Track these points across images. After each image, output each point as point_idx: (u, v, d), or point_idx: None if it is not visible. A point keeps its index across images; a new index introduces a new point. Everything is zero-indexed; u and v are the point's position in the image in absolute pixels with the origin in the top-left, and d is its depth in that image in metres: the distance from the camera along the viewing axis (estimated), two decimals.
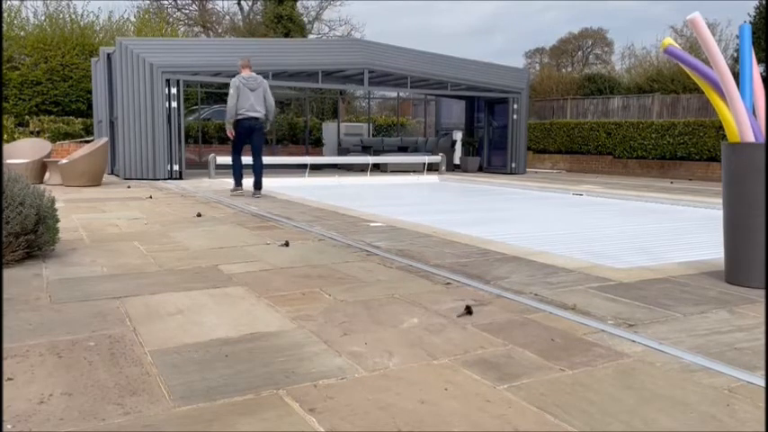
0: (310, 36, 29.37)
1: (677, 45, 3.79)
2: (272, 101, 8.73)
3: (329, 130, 18.69)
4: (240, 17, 32.06)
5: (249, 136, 8.61)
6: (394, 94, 20.91)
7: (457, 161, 16.94)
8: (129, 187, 9.94)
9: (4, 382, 2.01)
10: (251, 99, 8.43)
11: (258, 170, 8.77)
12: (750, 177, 3.38)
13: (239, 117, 8.44)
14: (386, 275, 3.66)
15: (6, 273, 3.58)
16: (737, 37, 3.64)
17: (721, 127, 4.76)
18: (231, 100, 8.43)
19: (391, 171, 15.27)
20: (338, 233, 5.26)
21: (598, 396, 1.97)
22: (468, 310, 2.86)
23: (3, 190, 3.75)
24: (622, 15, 56.56)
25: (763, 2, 16.95)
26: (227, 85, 18.58)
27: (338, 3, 39.07)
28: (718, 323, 2.75)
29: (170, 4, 30.79)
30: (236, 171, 8.93)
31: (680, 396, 1.98)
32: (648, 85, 20.23)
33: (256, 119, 8.48)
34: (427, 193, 12.15)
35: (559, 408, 1.88)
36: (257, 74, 8.82)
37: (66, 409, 1.83)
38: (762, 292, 3.26)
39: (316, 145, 18.47)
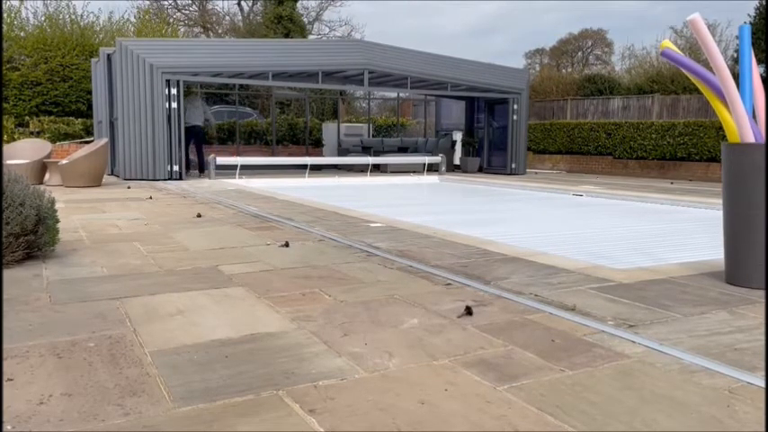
0: (310, 37, 29.38)
1: (675, 47, 3.79)
2: (209, 114, 14.01)
3: (329, 130, 18.69)
4: (240, 18, 32.09)
5: (192, 137, 12.76)
6: (394, 95, 20.91)
7: (457, 162, 16.93)
8: (129, 188, 9.94)
9: (4, 383, 2.01)
10: (191, 112, 12.72)
11: (200, 159, 13.18)
12: (750, 177, 3.38)
13: (186, 125, 12.46)
14: (386, 276, 3.66)
15: (6, 273, 3.58)
16: (737, 38, 3.63)
17: (721, 127, 4.77)
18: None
19: (391, 172, 15.27)
20: (338, 234, 5.26)
21: (598, 397, 1.97)
22: (469, 311, 2.86)
23: (3, 190, 3.75)
24: (622, 16, 56.62)
25: (763, 2, 16.95)
26: (227, 86, 18.79)
27: (338, 3, 39.18)
28: (718, 324, 2.75)
29: (170, 4, 30.82)
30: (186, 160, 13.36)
31: (680, 397, 1.98)
32: (648, 86, 20.21)
33: (195, 126, 12.77)
34: (427, 194, 12.15)
35: (560, 408, 1.88)
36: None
37: (66, 410, 1.83)
38: (762, 293, 3.26)
39: (316, 145, 18.47)
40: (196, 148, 13.12)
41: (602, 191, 10.66)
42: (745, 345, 2.47)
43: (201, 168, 13.18)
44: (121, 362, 2.23)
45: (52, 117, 15.55)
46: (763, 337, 2.56)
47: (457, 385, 2.05)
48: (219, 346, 2.40)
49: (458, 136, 17.23)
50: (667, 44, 3.75)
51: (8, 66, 15.84)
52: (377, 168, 15.37)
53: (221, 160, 12.73)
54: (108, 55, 12.24)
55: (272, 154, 17.38)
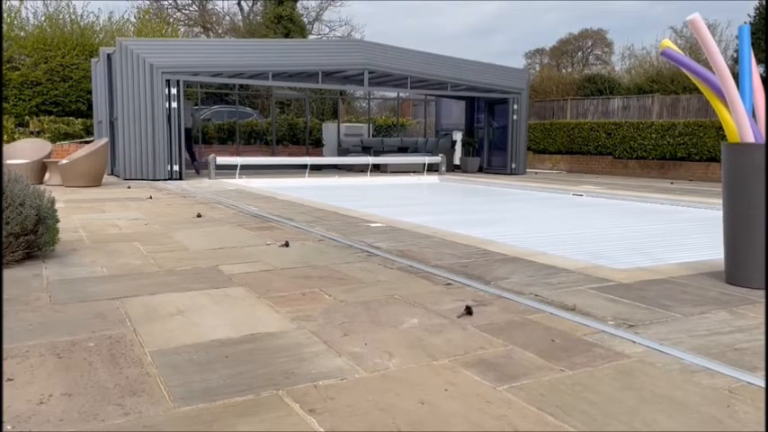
0: (310, 36, 29.38)
1: (675, 47, 3.79)
2: (198, 117, 16.24)
3: (329, 130, 18.69)
4: (240, 17, 32.08)
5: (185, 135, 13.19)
6: (394, 95, 20.91)
7: (457, 161, 16.93)
8: (129, 188, 9.94)
9: (4, 383, 2.01)
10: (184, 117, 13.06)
11: (192, 159, 13.94)
12: (750, 177, 3.38)
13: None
14: (386, 276, 3.66)
15: (6, 273, 3.58)
16: (737, 38, 3.64)
17: (721, 127, 4.77)
18: None
19: (391, 171, 15.27)
20: (338, 234, 5.26)
21: (598, 397, 1.97)
22: (469, 311, 2.86)
23: (3, 190, 3.75)
24: (622, 16, 56.58)
25: (763, 2, 16.95)
26: (227, 86, 18.77)
27: (338, 3, 39.15)
28: (718, 324, 2.75)
29: (170, 4, 30.82)
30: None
31: (680, 397, 1.98)
32: (648, 86, 20.21)
33: (186, 128, 12.97)
34: (427, 194, 12.15)
35: (560, 408, 1.88)
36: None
37: (66, 410, 1.83)
38: (762, 293, 3.26)
39: (316, 145, 18.47)
40: (187, 150, 13.44)
41: (602, 191, 10.66)
42: (745, 345, 2.47)
43: (195, 167, 13.80)
44: (121, 362, 2.23)
45: (52, 117, 15.55)
46: (763, 337, 2.56)
47: (457, 385, 2.05)
48: (219, 346, 2.40)
49: (458, 136, 17.23)
50: (667, 44, 3.75)
51: (8, 66, 15.84)
52: (377, 168, 15.37)
53: (221, 160, 12.73)
54: (108, 55, 12.24)
55: (272, 154, 17.38)
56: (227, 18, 32.55)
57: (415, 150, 17.27)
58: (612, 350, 2.40)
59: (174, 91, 11.68)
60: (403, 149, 17.57)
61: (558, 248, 4.88)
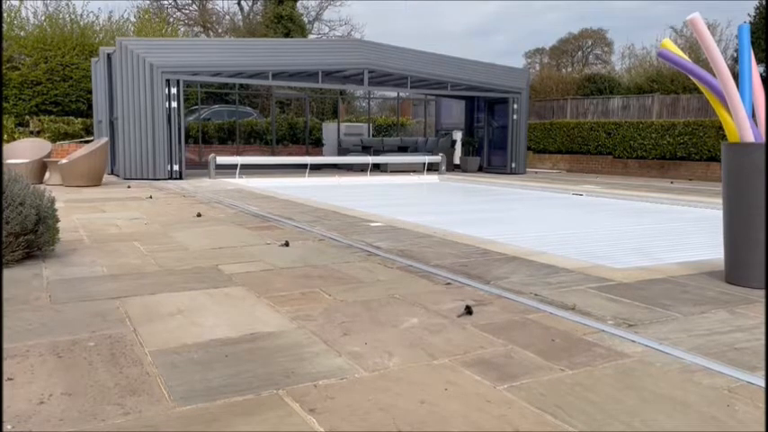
0: (310, 36, 29.38)
1: (675, 47, 3.79)
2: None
3: (329, 130, 18.69)
4: (240, 17, 32.07)
5: None
6: (394, 95, 20.90)
7: (457, 161, 16.93)
8: (129, 187, 9.93)
9: (5, 382, 2.01)
10: None
11: None
12: (750, 177, 3.38)
13: None
14: (386, 276, 3.66)
15: (6, 273, 3.58)
16: (737, 37, 3.64)
17: (721, 127, 4.77)
18: None
19: (391, 171, 15.26)
20: (338, 233, 5.26)
21: (598, 396, 1.97)
22: (469, 311, 2.86)
23: (3, 190, 3.75)
24: (622, 15, 56.54)
25: (763, 2, 16.94)
26: (227, 86, 18.77)
27: (338, 3, 39.12)
28: (718, 323, 2.75)
29: (170, 4, 30.80)
30: None
31: (680, 396, 1.98)
32: (648, 86, 20.19)
33: None
34: (427, 194, 12.15)
35: (559, 408, 1.88)
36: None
37: (66, 410, 1.83)
38: (762, 293, 3.26)
39: (316, 145, 18.47)
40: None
41: (602, 190, 10.66)
42: (745, 344, 2.47)
43: None
44: (122, 361, 2.23)
45: (52, 117, 15.54)
46: (762, 337, 2.56)
47: (457, 385, 2.05)
48: (219, 346, 2.40)
49: (458, 135, 17.23)
50: (667, 44, 3.75)
51: (8, 65, 15.83)
52: (377, 168, 15.37)
53: (221, 160, 12.73)
54: (108, 54, 12.24)
55: (272, 153, 17.38)
56: (227, 18, 32.56)
57: (415, 150, 17.26)
58: (612, 350, 2.40)
59: (173, 90, 11.68)
60: (403, 149, 17.57)
61: (557, 248, 4.88)
